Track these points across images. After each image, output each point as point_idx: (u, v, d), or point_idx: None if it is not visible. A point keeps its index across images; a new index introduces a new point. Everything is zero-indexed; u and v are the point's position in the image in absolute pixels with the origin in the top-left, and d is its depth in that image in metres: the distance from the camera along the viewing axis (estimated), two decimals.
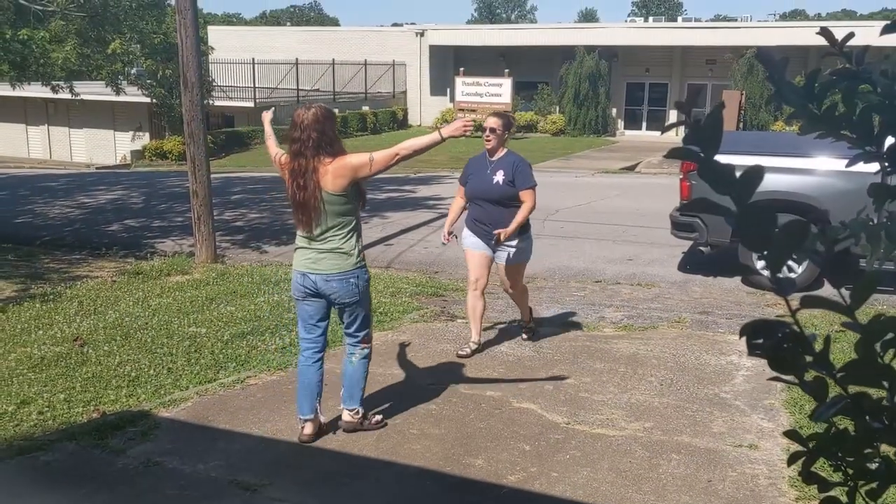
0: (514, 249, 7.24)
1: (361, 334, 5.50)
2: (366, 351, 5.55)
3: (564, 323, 8.68)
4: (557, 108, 40.95)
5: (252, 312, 8.65)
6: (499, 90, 35.70)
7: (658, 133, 35.61)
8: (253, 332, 8.05)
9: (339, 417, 5.93)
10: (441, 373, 6.99)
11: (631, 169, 26.99)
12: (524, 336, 7.83)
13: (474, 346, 7.55)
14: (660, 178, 23.47)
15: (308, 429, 5.62)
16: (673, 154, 1.53)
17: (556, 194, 18.70)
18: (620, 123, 41.59)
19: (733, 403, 6.51)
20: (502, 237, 6.94)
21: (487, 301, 8.28)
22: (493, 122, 7.01)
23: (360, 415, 5.76)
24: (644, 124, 41.48)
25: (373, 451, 5.57)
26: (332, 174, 5.08)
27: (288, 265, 11.03)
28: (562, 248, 12.60)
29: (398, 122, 42.34)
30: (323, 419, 5.78)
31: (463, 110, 35.42)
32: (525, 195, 6.94)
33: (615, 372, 7.19)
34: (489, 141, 7.02)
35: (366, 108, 41.08)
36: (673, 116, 39.29)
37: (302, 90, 39.21)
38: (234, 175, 24.71)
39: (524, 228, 7.19)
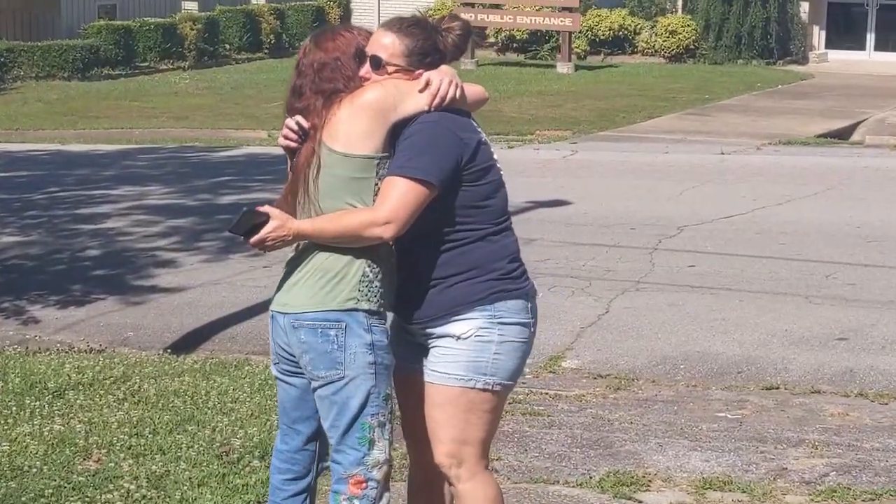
0: (440, 342, 4.23)
1: (349, 458, 3.97)
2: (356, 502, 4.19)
3: (694, 481, 5.86)
4: (680, 3, 26.55)
5: (5, 462, 5.71)
6: None
7: None
8: None
9: None
10: None
11: (841, 136, 18.29)
12: None
13: None
14: None
15: None
16: None
17: (676, 194, 13.09)
18: (818, 37, 26.87)
19: None
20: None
21: None
22: (379, 42, 4.12)
23: None
24: (870, 39, 26.28)
25: None
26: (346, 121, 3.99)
27: (95, 346, 8.16)
28: (692, 312, 8.81)
29: None
30: None
31: (471, 4, 24.28)
32: (382, 188, 4.02)
33: None
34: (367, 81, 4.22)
35: (258, 1, 28.24)
36: None
37: None
38: None
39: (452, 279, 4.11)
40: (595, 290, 8.73)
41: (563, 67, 22.95)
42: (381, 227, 3.87)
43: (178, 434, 5.56)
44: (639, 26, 25.48)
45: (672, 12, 25.81)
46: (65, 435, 5.78)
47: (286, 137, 4.04)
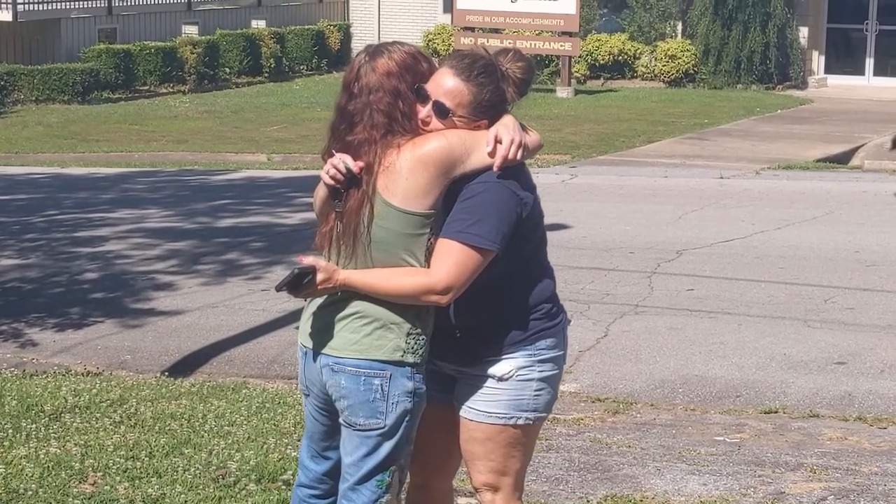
0: (479, 381, 4.11)
1: (363, 498, 3.84)
2: None
3: None
4: (680, 28, 26.64)
5: (1, 485, 5.64)
6: None
7: None
8: None
9: None
10: None
11: (841, 161, 18.51)
12: None
13: None
14: None
15: None
16: None
17: (675, 218, 13.18)
18: (817, 62, 26.99)
19: None
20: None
21: None
22: (445, 87, 3.84)
23: None
24: (869, 64, 26.31)
25: None
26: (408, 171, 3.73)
27: (92, 369, 8.11)
28: (690, 336, 8.81)
29: (331, 55, 28.04)
30: None
31: (471, 29, 23.73)
32: (439, 250, 3.82)
33: None
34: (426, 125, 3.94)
35: (259, 25, 27.91)
36: None
37: None
38: None
39: (502, 329, 3.98)
40: (594, 313, 8.71)
41: (562, 92, 22.96)
42: (437, 296, 3.76)
43: (175, 457, 5.52)
44: (638, 51, 25.42)
45: (672, 37, 25.70)
46: (61, 458, 5.78)
47: (334, 178, 3.77)
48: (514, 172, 3.77)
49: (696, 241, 11.46)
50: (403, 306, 3.74)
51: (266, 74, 25.69)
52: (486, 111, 3.76)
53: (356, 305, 3.77)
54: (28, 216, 13.01)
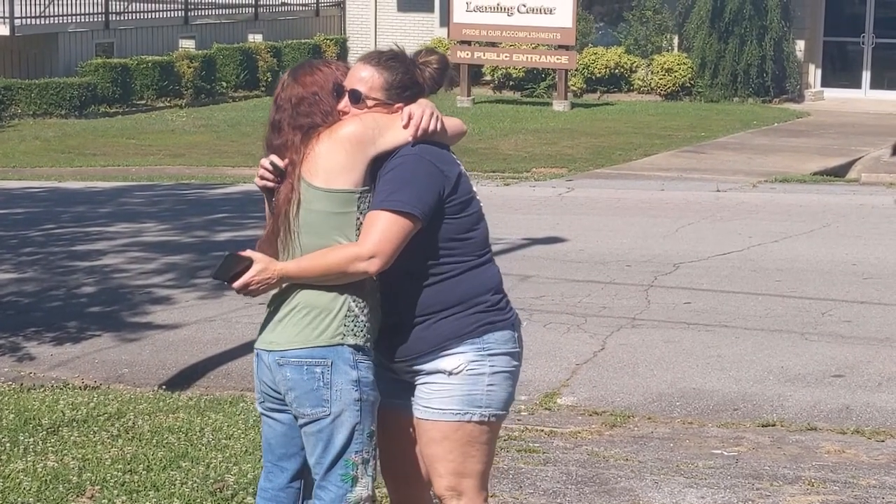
0: (430, 378, 4.09)
1: (331, 495, 3.89)
2: None
3: None
4: (676, 41, 26.46)
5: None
6: (550, 1, 23.04)
7: None
8: None
9: None
10: None
11: (838, 174, 18.35)
12: None
13: None
14: None
15: None
16: None
17: (672, 231, 13.09)
18: (813, 75, 26.63)
19: None
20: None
21: None
22: (357, 76, 4.03)
23: None
24: (866, 77, 26.09)
25: None
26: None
27: (90, 382, 8.04)
28: (688, 349, 8.73)
29: None
30: None
31: (467, 43, 23.79)
32: (365, 223, 3.90)
33: None
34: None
35: (255, 39, 27.88)
36: None
37: (115, 13, 25.86)
38: None
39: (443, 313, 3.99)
40: (591, 326, 8.69)
41: (559, 105, 22.94)
42: (365, 262, 3.79)
43: (172, 470, 5.51)
44: (635, 64, 25.33)
45: (668, 50, 25.64)
46: (58, 471, 5.75)
47: (262, 178, 3.94)
48: (435, 151, 3.86)
49: (693, 254, 11.44)
50: (339, 290, 3.81)
51: (263, 88, 25.51)
52: (399, 94, 3.87)
53: (297, 298, 3.86)
54: (25, 230, 13.02)
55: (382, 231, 3.71)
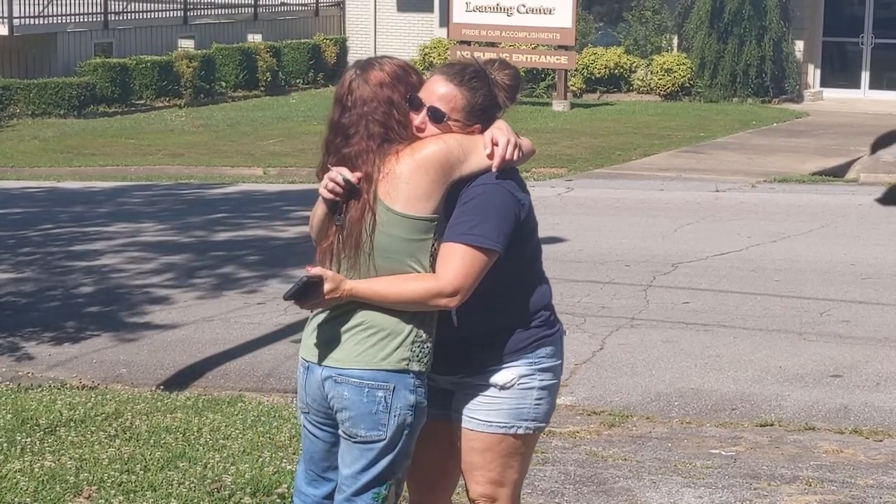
0: (479, 390, 4.03)
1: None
2: None
3: None
4: (676, 41, 26.39)
5: None
6: (550, 1, 22.83)
7: None
8: None
9: None
10: None
11: (836, 174, 18.28)
12: None
13: None
14: None
15: None
16: None
17: (671, 231, 13.03)
18: (812, 75, 26.47)
19: None
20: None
21: None
22: (438, 93, 3.84)
23: None
24: (865, 77, 25.88)
25: None
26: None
27: (88, 382, 8.05)
28: (686, 349, 8.69)
29: (327, 69, 27.17)
30: None
31: (467, 43, 23.33)
32: (444, 253, 3.75)
33: None
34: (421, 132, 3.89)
35: (255, 39, 27.66)
36: None
37: (114, 12, 25.71)
38: None
39: (503, 338, 3.92)
40: (590, 326, 8.67)
41: (558, 105, 22.90)
42: (447, 298, 3.69)
43: (170, 471, 5.50)
44: (634, 64, 25.28)
45: (667, 51, 25.59)
46: (55, 471, 5.73)
47: (332, 192, 3.72)
48: (511, 175, 3.77)
49: (692, 254, 11.41)
50: (408, 314, 3.68)
51: (262, 88, 25.58)
52: (479, 115, 3.76)
53: (361, 316, 3.72)
54: (24, 230, 13.03)
55: (465, 266, 3.63)
